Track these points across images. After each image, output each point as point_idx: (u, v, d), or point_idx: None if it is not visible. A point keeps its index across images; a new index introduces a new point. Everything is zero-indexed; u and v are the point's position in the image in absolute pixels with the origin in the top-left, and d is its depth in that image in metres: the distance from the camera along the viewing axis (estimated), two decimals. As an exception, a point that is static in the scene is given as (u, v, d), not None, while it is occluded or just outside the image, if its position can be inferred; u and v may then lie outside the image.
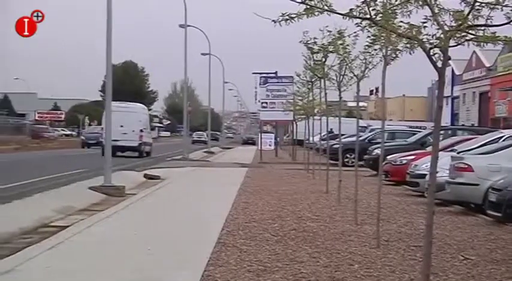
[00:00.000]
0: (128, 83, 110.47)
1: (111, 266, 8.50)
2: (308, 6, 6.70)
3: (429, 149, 20.36)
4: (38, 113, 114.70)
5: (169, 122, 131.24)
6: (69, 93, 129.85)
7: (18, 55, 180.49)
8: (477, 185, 14.75)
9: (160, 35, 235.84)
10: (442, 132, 24.31)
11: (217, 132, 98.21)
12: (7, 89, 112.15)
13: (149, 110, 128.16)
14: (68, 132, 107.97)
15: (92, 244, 10.24)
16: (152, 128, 68.05)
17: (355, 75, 12.33)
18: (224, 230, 11.43)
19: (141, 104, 47.22)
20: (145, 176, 26.75)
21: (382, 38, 8.28)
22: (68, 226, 12.61)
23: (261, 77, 44.21)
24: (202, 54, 62.28)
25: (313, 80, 20.21)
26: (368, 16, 6.90)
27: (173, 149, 53.13)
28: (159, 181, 24.39)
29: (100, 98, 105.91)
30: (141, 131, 42.28)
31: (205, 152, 53.87)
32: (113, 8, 20.70)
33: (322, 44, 13.32)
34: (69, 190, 19.13)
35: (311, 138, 29.37)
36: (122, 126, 39.02)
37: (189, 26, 46.20)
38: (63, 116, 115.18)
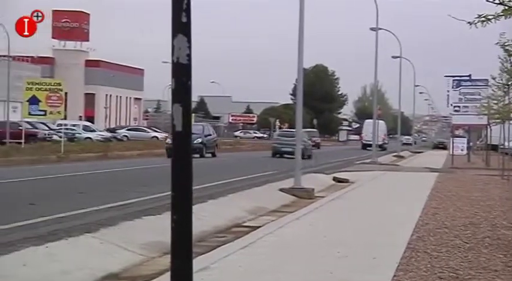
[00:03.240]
0: (318, 87, 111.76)
1: (301, 268, 8.61)
2: (506, 7, 6.48)
3: None
4: (232, 115, 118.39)
5: (358, 125, 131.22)
6: (261, 96, 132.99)
7: (214, 60, 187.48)
8: None
9: (350, 38, 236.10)
10: None
11: (410, 136, 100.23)
12: (204, 93, 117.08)
13: (338, 113, 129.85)
14: (260, 134, 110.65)
15: (282, 245, 10.43)
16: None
17: (555, 78, 11.79)
18: (414, 235, 11.27)
19: (382, 121, 70.29)
20: (334, 179, 26.87)
21: None
22: (259, 227, 12.94)
23: (453, 80, 43.23)
24: (393, 57, 61.60)
25: (509, 83, 19.48)
26: None
27: (361, 152, 57.66)
28: (348, 184, 24.41)
29: (290, 101, 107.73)
30: (384, 135, 70.26)
31: (394, 156, 53.33)
32: (304, 14, 21.02)
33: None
34: (260, 191, 19.61)
35: (506, 143, 28.30)
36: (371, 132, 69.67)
37: (380, 29, 45.91)
38: (255, 118, 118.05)
